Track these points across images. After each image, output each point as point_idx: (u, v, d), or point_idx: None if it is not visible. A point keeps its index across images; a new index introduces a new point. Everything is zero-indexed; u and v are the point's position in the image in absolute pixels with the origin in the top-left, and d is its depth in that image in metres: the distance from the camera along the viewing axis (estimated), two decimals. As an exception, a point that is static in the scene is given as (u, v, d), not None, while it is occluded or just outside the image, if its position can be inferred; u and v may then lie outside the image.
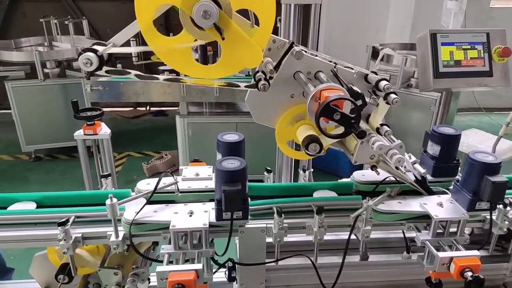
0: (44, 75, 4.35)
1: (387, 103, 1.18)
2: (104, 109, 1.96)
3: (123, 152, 4.75)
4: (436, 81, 1.56)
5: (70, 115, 4.39)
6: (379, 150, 1.15)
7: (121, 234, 1.20)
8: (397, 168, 1.33)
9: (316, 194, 1.41)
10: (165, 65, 1.19)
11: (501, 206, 1.30)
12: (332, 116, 0.97)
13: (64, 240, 1.17)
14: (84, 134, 1.80)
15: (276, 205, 1.31)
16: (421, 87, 1.60)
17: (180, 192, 1.35)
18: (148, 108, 6.38)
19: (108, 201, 1.14)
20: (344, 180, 1.59)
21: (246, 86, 1.22)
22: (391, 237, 1.62)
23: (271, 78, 1.17)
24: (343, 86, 1.17)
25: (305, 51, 1.24)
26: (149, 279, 1.44)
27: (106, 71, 1.08)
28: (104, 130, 1.85)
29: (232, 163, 1.18)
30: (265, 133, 3.15)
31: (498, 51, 1.64)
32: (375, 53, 4.07)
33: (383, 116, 1.25)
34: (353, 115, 0.98)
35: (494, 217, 1.31)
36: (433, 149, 1.47)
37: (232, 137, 1.40)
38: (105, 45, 1.15)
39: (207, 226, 1.17)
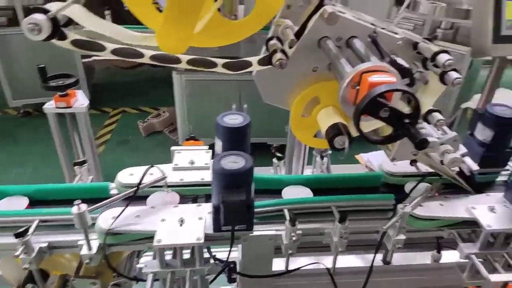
0: (27, 21, 3.92)
1: (444, 83, 0.88)
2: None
3: (118, 108, 4.44)
4: (495, 47, 1.22)
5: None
6: (429, 148, 0.87)
7: (95, 245, 0.96)
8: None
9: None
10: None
11: None
12: (378, 112, 0.67)
13: (25, 253, 0.94)
14: (56, 107, 1.48)
15: (288, 206, 1.06)
16: (474, 53, 1.26)
17: (169, 186, 1.10)
18: (145, 57, 5.94)
19: (74, 210, 0.89)
20: (365, 166, 1.33)
21: (259, 62, 0.91)
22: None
23: (291, 47, 0.86)
24: (384, 58, 0.87)
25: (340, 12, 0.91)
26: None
27: (73, 42, 0.75)
28: (80, 101, 1.53)
29: (235, 161, 0.91)
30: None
31: None
32: (399, -1, 3.60)
33: (435, 99, 0.95)
34: (409, 113, 0.68)
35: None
36: (484, 134, 1.18)
37: (234, 119, 1.11)
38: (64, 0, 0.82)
39: (202, 241, 0.92)
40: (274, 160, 1.28)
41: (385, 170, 1.21)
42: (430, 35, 3.38)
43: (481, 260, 1.05)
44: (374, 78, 0.69)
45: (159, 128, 3.91)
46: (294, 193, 1.14)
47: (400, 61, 0.89)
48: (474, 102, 3.28)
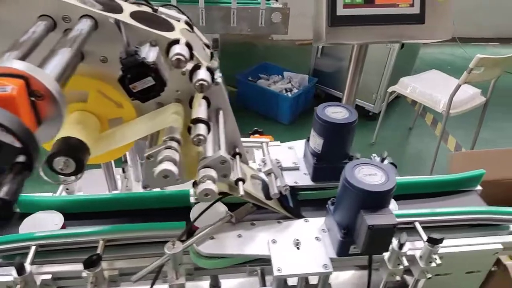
0: None
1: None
2: None
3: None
4: (331, 32, 0.95)
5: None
6: (162, 179, 0.62)
7: None
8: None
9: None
10: None
11: (395, 243, 0.83)
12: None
13: None
14: None
15: (37, 242, 0.80)
16: (314, 39, 1.00)
17: None
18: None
19: None
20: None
21: None
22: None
23: None
24: (128, 48, 0.62)
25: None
26: None
27: None
28: None
29: None
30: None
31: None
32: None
33: (202, 106, 0.70)
34: (21, 147, 0.41)
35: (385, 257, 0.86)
36: (315, 141, 0.96)
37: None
38: None
39: None
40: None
41: (196, 186, 0.97)
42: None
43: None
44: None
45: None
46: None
47: (145, 53, 0.63)
48: (400, 85, 3.08)
